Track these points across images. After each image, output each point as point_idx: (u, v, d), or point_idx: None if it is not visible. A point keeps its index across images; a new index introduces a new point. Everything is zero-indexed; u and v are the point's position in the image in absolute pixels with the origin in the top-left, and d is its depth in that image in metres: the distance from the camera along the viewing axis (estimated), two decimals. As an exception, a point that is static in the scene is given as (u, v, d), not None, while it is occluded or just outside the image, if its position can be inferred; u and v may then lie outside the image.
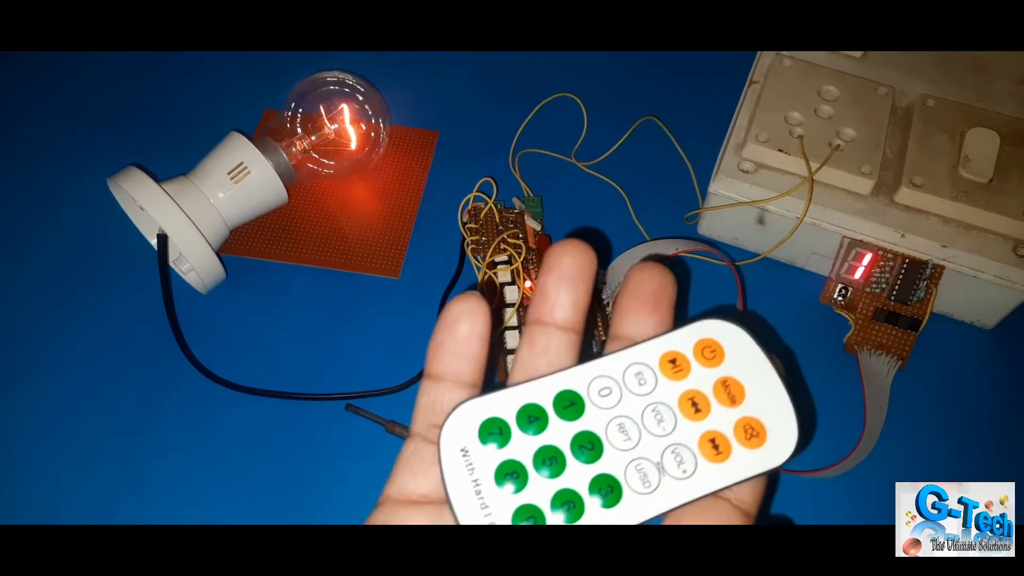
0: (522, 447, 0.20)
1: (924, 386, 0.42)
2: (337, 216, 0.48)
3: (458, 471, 0.19)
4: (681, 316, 0.45)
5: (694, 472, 0.20)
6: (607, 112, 0.52)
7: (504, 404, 0.20)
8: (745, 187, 0.43)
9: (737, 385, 0.21)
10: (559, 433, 0.20)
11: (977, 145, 0.42)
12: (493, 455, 0.20)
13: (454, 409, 0.20)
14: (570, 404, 0.20)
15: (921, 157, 0.43)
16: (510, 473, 0.19)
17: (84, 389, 0.42)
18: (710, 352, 0.21)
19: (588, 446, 0.20)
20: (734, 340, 0.21)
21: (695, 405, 0.20)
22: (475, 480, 0.19)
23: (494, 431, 0.20)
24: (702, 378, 0.21)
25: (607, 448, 0.20)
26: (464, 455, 0.19)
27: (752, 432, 0.20)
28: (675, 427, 0.20)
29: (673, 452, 0.20)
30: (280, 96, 0.47)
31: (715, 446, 0.20)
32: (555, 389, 0.20)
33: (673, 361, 0.21)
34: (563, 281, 0.21)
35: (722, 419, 0.20)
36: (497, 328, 0.42)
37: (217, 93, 0.54)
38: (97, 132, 0.52)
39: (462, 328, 0.21)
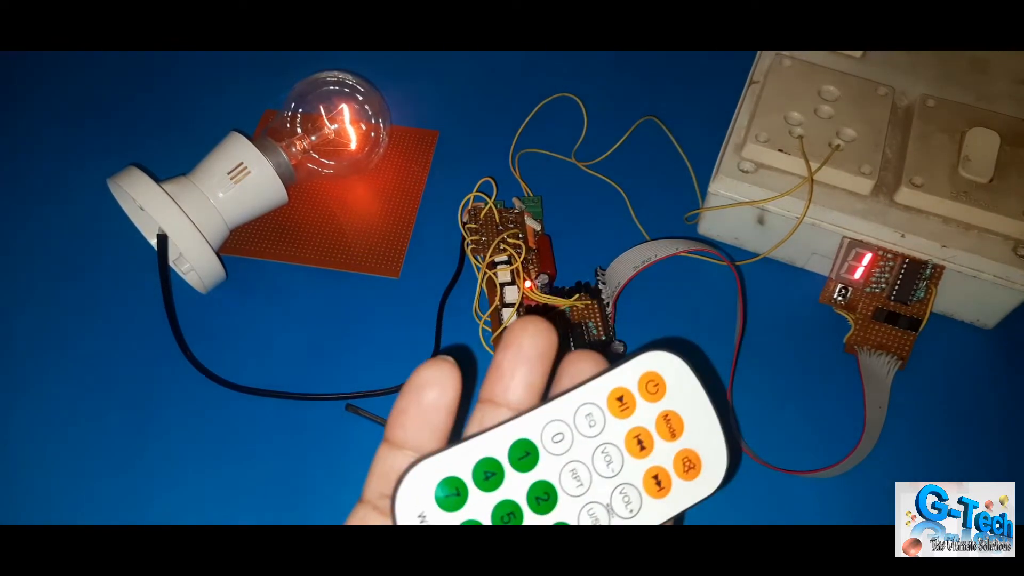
0: (480, 506, 0.20)
1: (924, 386, 0.42)
2: (337, 216, 0.48)
3: None
4: (682, 321, 0.45)
5: (639, 510, 0.20)
6: (607, 112, 0.52)
7: (459, 461, 0.20)
8: (745, 187, 0.43)
9: (677, 418, 0.21)
10: (515, 486, 0.20)
11: (977, 145, 0.42)
12: (451, 519, 0.19)
13: (408, 470, 0.19)
14: (525, 455, 0.20)
15: (921, 157, 0.43)
16: None
17: (84, 389, 0.42)
18: (653, 386, 0.21)
19: (544, 496, 0.20)
20: (674, 372, 0.21)
21: (640, 443, 0.21)
22: None
23: (451, 492, 0.19)
24: (646, 414, 0.21)
25: (561, 496, 0.20)
26: (421, 521, 0.19)
27: (689, 464, 0.21)
28: (622, 467, 0.20)
29: (621, 492, 0.20)
30: (280, 96, 0.47)
31: (658, 482, 0.20)
32: (510, 439, 0.20)
33: (620, 399, 0.21)
34: (520, 362, 0.21)
35: (664, 454, 0.21)
36: (496, 328, 0.42)
37: (217, 93, 0.54)
38: (97, 132, 0.52)
39: (429, 396, 0.20)
